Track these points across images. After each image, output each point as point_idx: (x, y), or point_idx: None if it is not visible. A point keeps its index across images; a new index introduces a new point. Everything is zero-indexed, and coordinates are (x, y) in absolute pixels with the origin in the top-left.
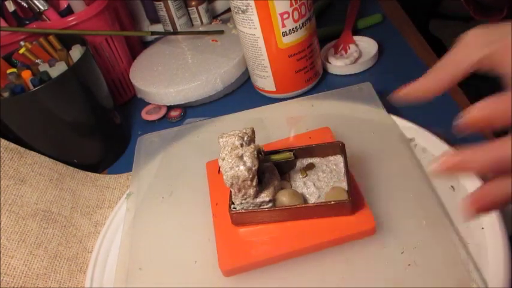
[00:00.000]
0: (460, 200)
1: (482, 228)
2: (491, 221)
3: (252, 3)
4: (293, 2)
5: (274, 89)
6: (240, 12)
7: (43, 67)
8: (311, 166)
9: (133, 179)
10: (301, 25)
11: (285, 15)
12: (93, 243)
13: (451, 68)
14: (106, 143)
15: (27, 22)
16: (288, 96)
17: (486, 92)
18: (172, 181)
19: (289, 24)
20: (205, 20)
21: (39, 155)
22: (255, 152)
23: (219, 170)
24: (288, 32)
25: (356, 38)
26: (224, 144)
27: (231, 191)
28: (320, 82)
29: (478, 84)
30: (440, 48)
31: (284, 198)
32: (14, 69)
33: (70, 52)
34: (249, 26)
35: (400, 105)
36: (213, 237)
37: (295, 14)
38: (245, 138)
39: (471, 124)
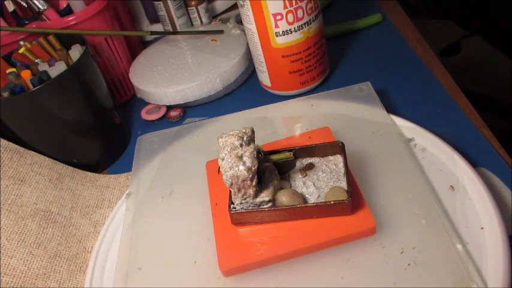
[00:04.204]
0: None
1: (482, 228)
2: (491, 221)
3: (248, 0)
4: (287, 4)
5: (270, 85)
6: (240, 6)
7: (42, 67)
8: (311, 166)
9: (133, 179)
10: (296, 28)
11: (278, 17)
12: (92, 243)
13: None
14: (106, 143)
15: (26, 22)
16: (283, 94)
17: (486, 92)
18: (172, 181)
19: (283, 25)
20: (204, 19)
21: (39, 154)
22: (255, 152)
23: (219, 169)
24: (281, 33)
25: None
26: (224, 144)
27: (230, 191)
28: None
29: (478, 84)
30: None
31: (284, 198)
32: (14, 69)
33: (70, 52)
34: (246, 21)
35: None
36: (213, 237)
37: (290, 16)
38: (245, 138)
39: None
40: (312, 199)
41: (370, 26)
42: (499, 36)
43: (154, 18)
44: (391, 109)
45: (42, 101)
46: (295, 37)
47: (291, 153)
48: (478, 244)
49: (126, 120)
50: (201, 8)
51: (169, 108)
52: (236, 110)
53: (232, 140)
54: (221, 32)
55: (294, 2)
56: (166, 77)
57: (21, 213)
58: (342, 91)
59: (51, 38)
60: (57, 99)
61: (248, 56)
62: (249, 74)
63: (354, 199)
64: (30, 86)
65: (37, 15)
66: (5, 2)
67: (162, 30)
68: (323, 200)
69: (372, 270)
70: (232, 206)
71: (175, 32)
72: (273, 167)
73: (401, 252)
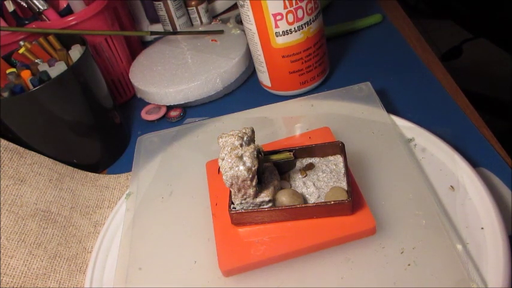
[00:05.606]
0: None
1: (482, 228)
2: (491, 221)
3: (248, 0)
4: (287, 4)
5: (270, 85)
6: (240, 6)
7: (43, 67)
8: (311, 166)
9: (133, 179)
10: (296, 28)
11: (278, 17)
12: (92, 243)
13: None
14: (106, 143)
15: (26, 22)
16: (283, 94)
17: (486, 92)
18: (172, 181)
19: (283, 25)
20: (204, 19)
21: (39, 155)
22: (255, 152)
23: (219, 170)
24: (281, 33)
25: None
26: (224, 144)
27: (230, 191)
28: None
29: (478, 84)
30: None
31: (284, 198)
32: (14, 69)
33: (70, 52)
34: (246, 21)
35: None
36: (213, 237)
37: (290, 16)
38: (245, 138)
39: None
40: (312, 199)
41: (370, 26)
42: (508, 37)
43: (154, 18)
44: (391, 109)
45: (42, 101)
46: (295, 37)
47: (291, 153)
48: (478, 244)
49: (126, 120)
50: (201, 8)
51: (169, 108)
52: (236, 110)
53: (232, 140)
54: (221, 32)
55: (294, 2)
56: (166, 77)
57: (21, 213)
58: (342, 91)
59: (51, 38)
60: (57, 99)
61: (248, 56)
62: (249, 74)
63: (354, 199)
64: (30, 86)
65: (37, 15)
66: (5, 2)
67: (162, 30)
68: (323, 200)
69: (372, 270)
70: (232, 206)
71: (175, 32)
72: (273, 167)
73: (402, 253)
